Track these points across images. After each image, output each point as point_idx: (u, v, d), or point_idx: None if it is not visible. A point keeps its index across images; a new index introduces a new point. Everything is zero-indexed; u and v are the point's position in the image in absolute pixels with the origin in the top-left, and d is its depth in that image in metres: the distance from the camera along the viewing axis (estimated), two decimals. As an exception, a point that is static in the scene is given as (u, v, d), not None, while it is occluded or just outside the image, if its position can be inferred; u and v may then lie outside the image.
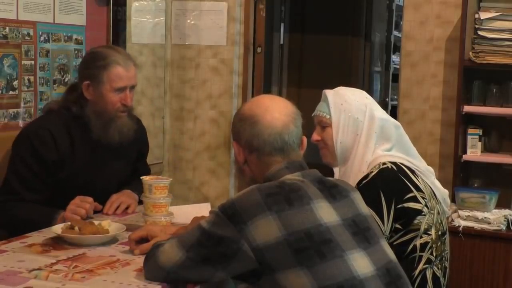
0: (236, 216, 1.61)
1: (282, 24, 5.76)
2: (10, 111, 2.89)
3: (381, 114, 2.19)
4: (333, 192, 1.73)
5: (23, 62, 2.96)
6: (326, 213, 1.65)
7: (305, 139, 1.83)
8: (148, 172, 2.85)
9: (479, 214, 3.33)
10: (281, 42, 5.77)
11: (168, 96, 4.17)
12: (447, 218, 2.29)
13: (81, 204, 2.34)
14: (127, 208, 2.57)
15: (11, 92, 2.92)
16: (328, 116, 2.17)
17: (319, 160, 2.26)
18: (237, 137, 1.79)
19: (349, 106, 2.16)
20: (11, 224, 2.41)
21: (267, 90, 5.07)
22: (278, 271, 1.57)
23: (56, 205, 2.41)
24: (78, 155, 2.50)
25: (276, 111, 1.76)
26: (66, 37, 3.18)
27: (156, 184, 2.29)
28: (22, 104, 2.93)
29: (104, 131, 2.50)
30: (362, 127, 2.15)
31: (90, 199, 2.38)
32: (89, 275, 1.79)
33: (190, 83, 4.14)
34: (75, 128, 2.51)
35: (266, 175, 1.75)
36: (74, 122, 2.51)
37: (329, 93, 2.22)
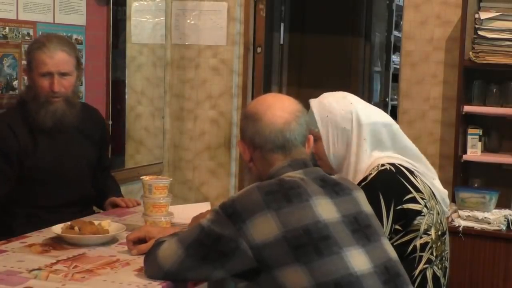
0: (235, 215, 1.61)
1: (282, 24, 5.75)
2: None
3: (369, 118, 2.13)
4: (336, 189, 1.73)
5: (23, 62, 2.96)
6: (325, 209, 1.65)
7: (311, 137, 1.83)
8: (110, 166, 2.95)
9: (479, 214, 3.33)
10: (281, 42, 5.76)
11: (168, 96, 4.17)
12: (447, 218, 2.28)
13: None
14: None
15: (11, 92, 2.92)
16: (317, 130, 2.13)
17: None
18: (243, 135, 1.80)
19: (335, 117, 2.12)
20: None
21: (267, 90, 5.07)
22: (276, 268, 1.57)
23: (27, 196, 2.47)
24: (39, 141, 2.54)
25: (279, 108, 1.76)
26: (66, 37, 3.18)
27: (156, 184, 2.29)
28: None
29: (36, 115, 2.53)
30: (351, 136, 2.12)
31: None
32: (89, 275, 1.79)
33: (190, 83, 4.14)
34: (31, 115, 2.54)
35: (269, 173, 1.75)
36: (28, 110, 2.56)
37: (313, 104, 2.17)
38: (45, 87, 2.50)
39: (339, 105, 2.15)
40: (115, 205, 2.66)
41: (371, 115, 2.15)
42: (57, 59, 2.50)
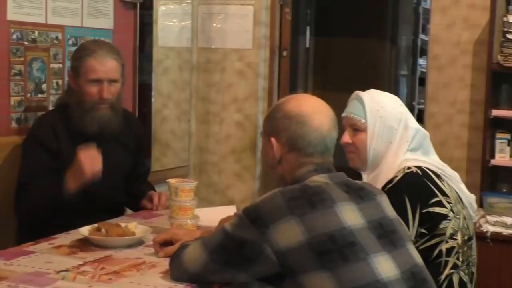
0: (258, 220, 1.61)
1: (308, 28, 5.75)
2: (39, 113, 2.92)
3: (414, 123, 2.17)
4: (360, 194, 1.72)
5: (51, 65, 3.00)
6: (350, 216, 1.64)
7: None
8: (148, 171, 2.95)
9: (508, 220, 3.29)
10: (307, 45, 5.76)
11: (194, 99, 4.19)
12: (474, 223, 2.26)
13: (93, 159, 2.32)
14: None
15: (39, 95, 2.96)
16: (363, 121, 2.14)
17: (345, 163, 2.24)
18: (277, 133, 1.77)
19: (386, 113, 2.13)
20: (33, 209, 2.44)
21: (292, 94, 5.06)
22: (301, 274, 1.56)
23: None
24: (77, 147, 2.51)
25: (323, 114, 1.77)
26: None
27: (182, 187, 2.30)
28: (50, 107, 2.96)
29: (81, 121, 2.54)
30: (396, 135, 2.12)
31: (95, 152, 2.35)
32: (115, 277, 1.80)
33: (216, 86, 4.15)
34: (72, 121, 2.57)
35: (294, 175, 1.74)
36: (69, 115, 2.58)
37: (364, 96, 2.17)
38: (93, 93, 2.51)
39: (390, 103, 2.18)
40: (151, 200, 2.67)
41: (415, 122, 2.19)
42: (108, 66, 2.51)
